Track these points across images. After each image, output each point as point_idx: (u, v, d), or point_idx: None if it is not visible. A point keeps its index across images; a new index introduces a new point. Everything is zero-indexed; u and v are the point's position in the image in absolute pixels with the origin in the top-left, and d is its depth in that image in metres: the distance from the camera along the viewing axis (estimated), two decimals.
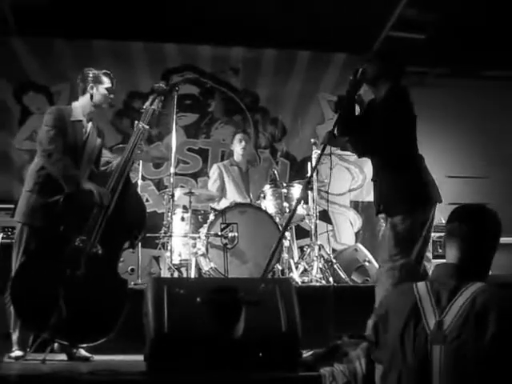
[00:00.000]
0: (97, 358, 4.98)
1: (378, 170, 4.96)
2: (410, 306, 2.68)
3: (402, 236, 4.68)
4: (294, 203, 6.99)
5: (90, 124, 5.33)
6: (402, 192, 4.73)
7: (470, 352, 2.52)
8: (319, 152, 5.16)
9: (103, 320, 4.75)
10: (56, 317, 4.52)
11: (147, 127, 5.39)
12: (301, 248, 7.73)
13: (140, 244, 6.88)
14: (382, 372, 2.82)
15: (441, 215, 7.37)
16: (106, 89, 5.30)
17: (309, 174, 5.38)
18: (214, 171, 7.71)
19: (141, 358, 4.20)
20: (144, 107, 5.57)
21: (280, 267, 6.68)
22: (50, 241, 4.96)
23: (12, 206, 5.32)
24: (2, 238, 6.80)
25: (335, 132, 4.93)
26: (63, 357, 4.99)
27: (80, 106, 5.31)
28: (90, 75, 5.32)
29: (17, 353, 4.84)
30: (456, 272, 2.71)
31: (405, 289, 2.85)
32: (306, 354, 4.40)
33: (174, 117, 6.77)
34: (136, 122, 5.44)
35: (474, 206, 2.91)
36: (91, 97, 5.28)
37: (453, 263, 2.76)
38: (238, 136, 7.80)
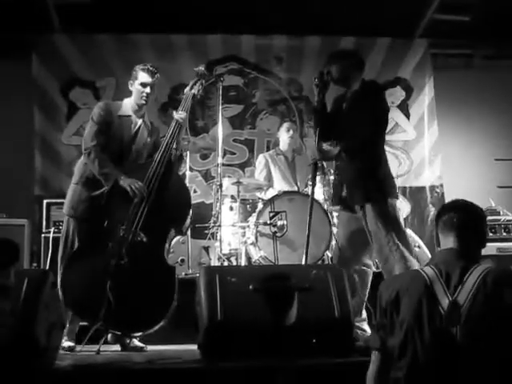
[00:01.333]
0: (150, 348, 5.03)
1: (350, 160, 5.03)
2: (420, 288, 2.75)
3: (393, 216, 4.84)
4: None
5: (140, 121, 5.34)
6: (385, 181, 4.94)
7: (487, 327, 2.61)
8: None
9: (153, 307, 4.76)
10: (105, 308, 4.58)
11: (183, 117, 5.37)
12: None
13: (189, 234, 6.93)
14: (379, 364, 2.92)
15: (491, 199, 7.31)
16: (140, 83, 5.25)
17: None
18: (260, 161, 7.68)
19: (193, 347, 4.25)
20: (184, 92, 5.57)
21: (330, 254, 6.65)
22: (95, 234, 5.03)
23: (62, 200, 5.39)
24: (54, 232, 6.90)
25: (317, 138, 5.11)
26: (117, 347, 5.06)
27: (128, 103, 5.35)
28: (132, 72, 5.34)
29: (67, 343, 4.93)
30: (461, 254, 2.82)
31: (412, 273, 3.02)
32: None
33: (220, 108, 6.80)
34: (174, 112, 5.44)
35: (462, 200, 3.03)
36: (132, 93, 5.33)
37: (455, 248, 2.86)
38: (286, 124, 7.79)
